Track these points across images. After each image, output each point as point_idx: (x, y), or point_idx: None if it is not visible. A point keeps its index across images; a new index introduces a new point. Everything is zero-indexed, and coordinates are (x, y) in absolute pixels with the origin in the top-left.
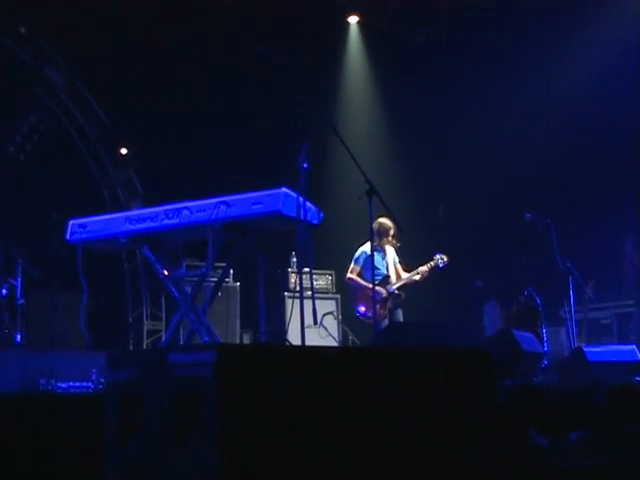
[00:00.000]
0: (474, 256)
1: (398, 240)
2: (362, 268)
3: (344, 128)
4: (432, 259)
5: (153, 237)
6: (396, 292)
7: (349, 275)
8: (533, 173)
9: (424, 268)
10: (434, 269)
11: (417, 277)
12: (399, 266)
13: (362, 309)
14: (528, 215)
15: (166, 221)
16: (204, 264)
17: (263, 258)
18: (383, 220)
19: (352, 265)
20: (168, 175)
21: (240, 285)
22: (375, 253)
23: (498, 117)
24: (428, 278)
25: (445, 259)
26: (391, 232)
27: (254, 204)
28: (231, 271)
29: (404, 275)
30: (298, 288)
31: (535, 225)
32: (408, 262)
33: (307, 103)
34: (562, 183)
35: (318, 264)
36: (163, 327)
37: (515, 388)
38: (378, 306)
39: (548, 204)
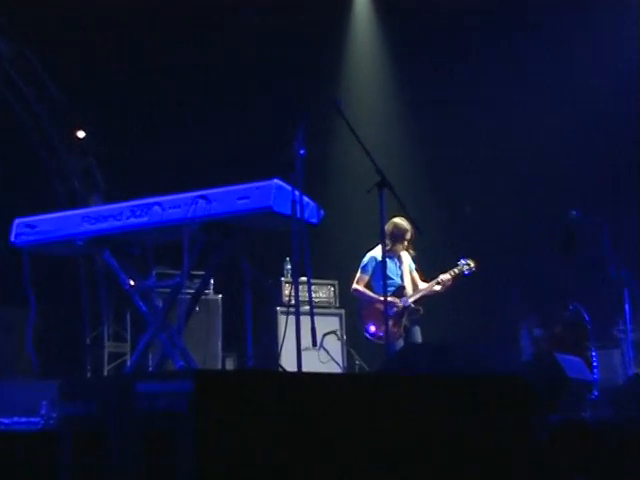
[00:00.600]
0: (508, 262)
1: (414, 246)
2: (371, 278)
3: (349, 107)
4: (456, 265)
5: (116, 239)
6: (413, 306)
7: (355, 286)
8: (580, 164)
9: (446, 276)
10: (458, 277)
11: (438, 287)
12: (416, 275)
13: (372, 329)
14: (575, 213)
15: (132, 220)
16: (179, 272)
17: (251, 265)
18: (398, 220)
19: (359, 274)
20: (135, 164)
21: (222, 298)
22: (387, 260)
23: (539, 97)
24: (451, 288)
25: (472, 265)
26: (407, 235)
27: (240, 199)
28: (211, 281)
29: (422, 285)
30: (293, 302)
31: (583, 226)
32: (427, 269)
33: (304, 78)
34: (617, 177)
35: (318, 272)
36: (128, 350)
37: (559, 424)
38: (391, 323)
39: (598, 202)
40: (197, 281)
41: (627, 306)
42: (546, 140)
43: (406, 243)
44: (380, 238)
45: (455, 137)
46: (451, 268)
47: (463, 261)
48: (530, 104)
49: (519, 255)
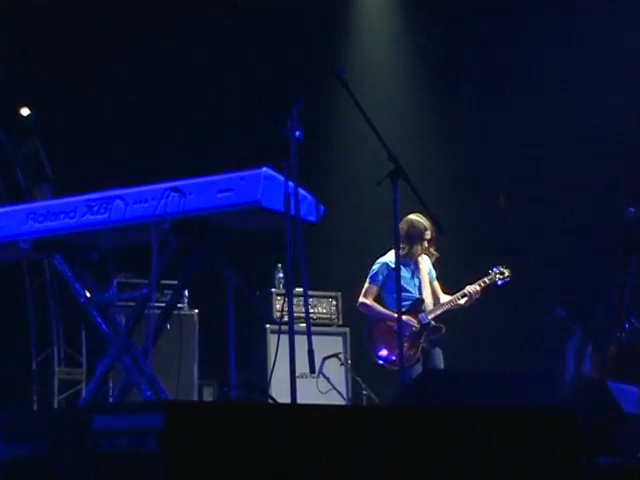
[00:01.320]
0: (551, 270)
1: (436, 247)
2: (383, 289)
3: (355, 81)
4: (487, 274)
5: (69, 241)
6: (433, 324)
7: (363, 300)
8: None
9: (474, 287)
10: (489, 289)
11: (463, 301)
12: (437, 285)
13: (384, 353)
14: (633, 210)
15: (89, 217)
16: (145, 282)
17: (234, 273)
18: (414, 217)
19: (367, 285)
20: (92, 148)
21: (199, 313)
22: (402, 267)
23: (590, 78)
24: (480, 302)
25: (506, 274)
26: (426, 235)
27: (221, 192)
28: (186, 292)
29: (444, 298)
30: (286, 318)
31: None
32: (451, 279)
33: (302, 46)
34: None
35: (317, 283)
36: (83, 376)
37: (613, 468)
38: (406, 345)
39: None
40: (168, 292)
41: None
42: (596, 126)
43: (425, 245)
44: (394, 240)
45: (487, 119)
46: (481, 277)
47: (496, 269)
48: (580, 85)
49: (565, 261)
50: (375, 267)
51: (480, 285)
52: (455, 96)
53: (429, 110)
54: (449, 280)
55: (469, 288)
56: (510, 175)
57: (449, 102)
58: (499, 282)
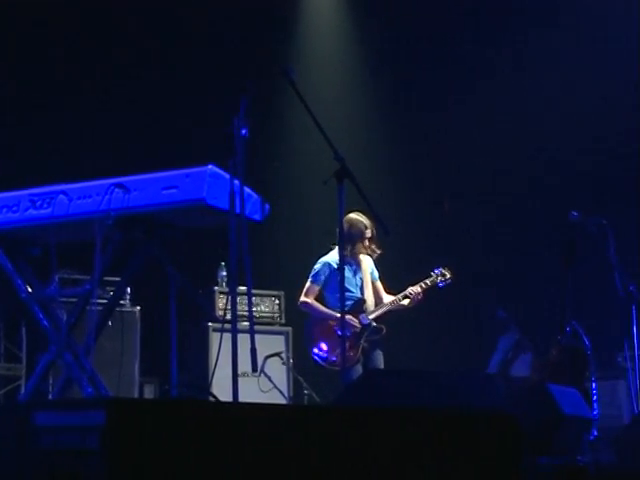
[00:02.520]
0: (491, 273)
1: (378, 246)
2: (324, 288)
3: (303, 79)
4: (429, 276)
5: (11, 236)
6: (374, 324)
7: (304, 299)
8: (579, 157)
9: (416, 288)
10: (430, 290)
11: (406, 302)
12: (379, 285)
13: (323, 347)
14: (575, 214)
15: (31, 212)
16: (88, 278)
17: (177, 270)
18: (353, 216)
19: (309, 284)
20: (34, 141)
21: (141, 310)
22: (345, 266)
23: (531, 80)
24: (422, 303)
25: (448, 276)
26: (367, 234)
27: (166, 189)
28: (128, 289)
29: (386, 299)
30: (229, 317)
31: (584, 229)
32: (393, 280)
33: (249, 43)
34: (621, 174)
35: (260, 281)
36: (23, 373)
37: (552, 468)
38: (347, 345)
39: (601, 202)
40: (110, 289)
41: (635, 328)
42: (538, 128)
43: (366, 243)
44: (337, 240)
45: (434, 120)
46: (422, 279)
47: (438, 271)
48: (520, 86)
49: (506, 264)
50: (317, 266)
51: (422, 286)
52: (404, 96)
53: (377, 110)
54: (392, 280)
55: (411, 289)
56: (453, 180)
57: (397, 102)
58: (440, 284)
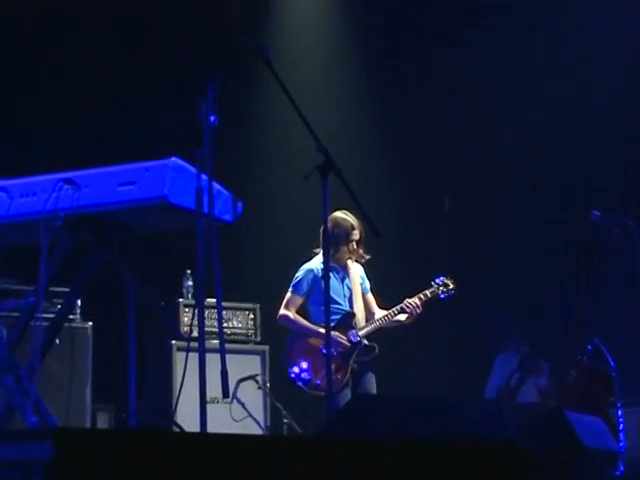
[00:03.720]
0: (500, 282)
1: (366, 251)
2: (308, 300)
3: (281, 58)
4: (428, 286)
5: None
6: (365, 343)
7: (284, 312)
8: (601, 153)
9: (414, 301)
10: (430, 302)
11: (402, 317)
12: (371, 298)
13: (305, 368)
14: (597, 214)
15: None
16: (32, 289)
17: (136, 280)
18: (340, 215)
19: (289, 294)
20: None
21: (94, 326)
22: (331, 274)
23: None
24: (420, 317)
25: (451, 286)
26: (354, 235)
27: (122, 185)
28: (79, 302)
29: (379, 313)
30: (196, 334)
31: (607, 231)
32: (387, 291)
33: (220, 21)
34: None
35: (232, 292)
36: None
37: None
38: (334, 366)
39: (626, 201)
40: (58, 301)
41: None
42: (549, 121)
43: (353, 246)
44: (322, 243)
45: (433, 113)
46: (422, 290)
47: (439, 280)
48: (533, 81)
49: (516, 272)
50: (299, 274)
51: (420, 298)
52: (399, 82)
53: (367, 96)
54: (385, 292)
55: (408, 301)
56: (456, 175)
57: (391, 88)
58: (442, 295)
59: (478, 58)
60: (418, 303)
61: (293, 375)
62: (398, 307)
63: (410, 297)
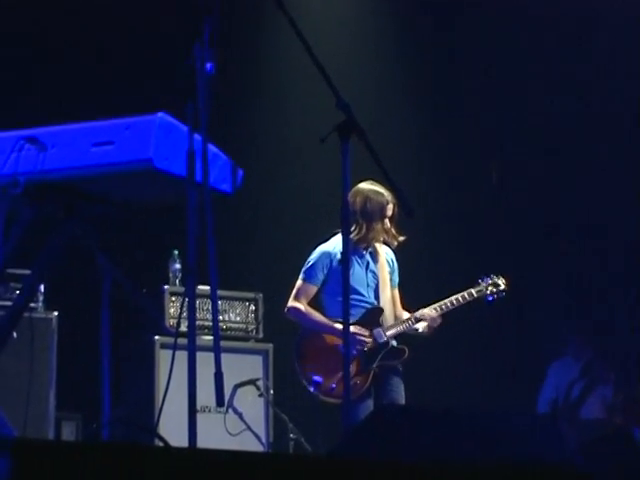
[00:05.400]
0: (560, 280)
1: (399, 230)
2: (323, 289)
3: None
4: (474, 284)
5: None
6: (393, 344)
7: (294, 303)
8: None
9: (456, 299)
10: (474, 303)
11: (419, 326)
12: (397, 294)
13: (318, 371)
14: None
15: None
16: None
17: (111, 262)
18: (370, 187)
19: (301, 282)
20: None
21: (60, 317)
22: (353, 258)
23: None
24: (460, 319)
25: (502, 287)
26: (386, 210)
27: (97, 145)
28: (42, 287)
29: (402, 314)
30: (184, 328)
31: None
32: (423, 285)
33: None
34: None
35: (230, 279)
36: None
37: None
38: (353, 369)
39: None
40: (17, 286)
41: None
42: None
43: (387, 225)
44: (341, 220)
45: (476, 68)
46: (466, 288)
47: (487, 279)
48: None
49: (578, 268)
50: (313, 258)
51: (464, 297)
52: (437, 32)
53: (397, 54)
54: (411, 290)
55: (447, 301)
56: (507, 140)
57: (425, 40)
58: (490, 297)
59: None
60: (460, 302)
61: (307, 383)
62: (416, 314)
63: (451, 295)
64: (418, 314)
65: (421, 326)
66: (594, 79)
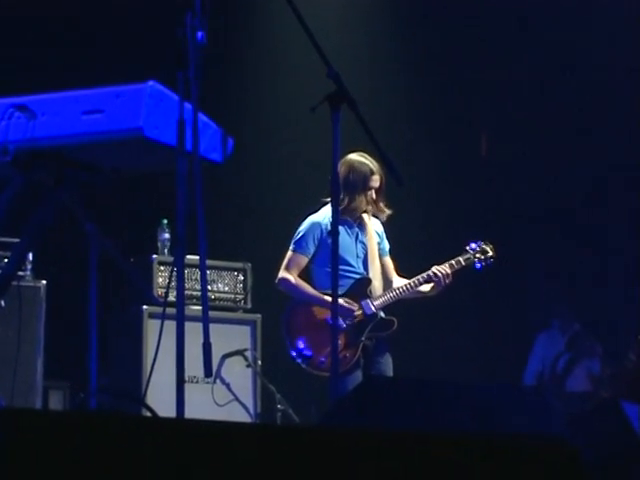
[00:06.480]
0: (547, 249)
1: (387, 204)
2: (313, 260)
3: None
4: (462, 252)
5: None
6: (382, 316)
7: (284, 274)
8: None
9: (443, 268)
10: (462, 271)
11: (426, 287)
12: (389, 262)
13: (307, 343)
14: None
15: None
16: None
17: (99, 230)
18: (356, 158)
19: (291, 253)
20: None
21: (48, 286)
22: (342, 229)
23: None
24: (449, 287)
25: (490, 253)
26: (373, 181)
27: (87, 113)
28: (30, 256)
29: (399, 281)
30: (172, 298)
31: None
32: (409, 256)
33: None
34: None
35: (218, 249)
36: None
37: None
38: (342, 342)
39: None
40: (5, 254)
41: None
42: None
43: (372, 196)
44: (331, 190)
45: (467, 39)
46: (454, 256)
47: (475, 245)
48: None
49: (565, 237)
50: (303, 228)
51: (451, 266)
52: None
53: (387, 23)
54: (405, 257)
55: (437, 268)
56: (496, 111)
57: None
58: (478, 264)
59: None
60: (449, 272)
61: (295, 355)
62: (424, 275)
63: (439, 264)
64: (431, 271)
65: (429, 287)
66: (588, 49)
